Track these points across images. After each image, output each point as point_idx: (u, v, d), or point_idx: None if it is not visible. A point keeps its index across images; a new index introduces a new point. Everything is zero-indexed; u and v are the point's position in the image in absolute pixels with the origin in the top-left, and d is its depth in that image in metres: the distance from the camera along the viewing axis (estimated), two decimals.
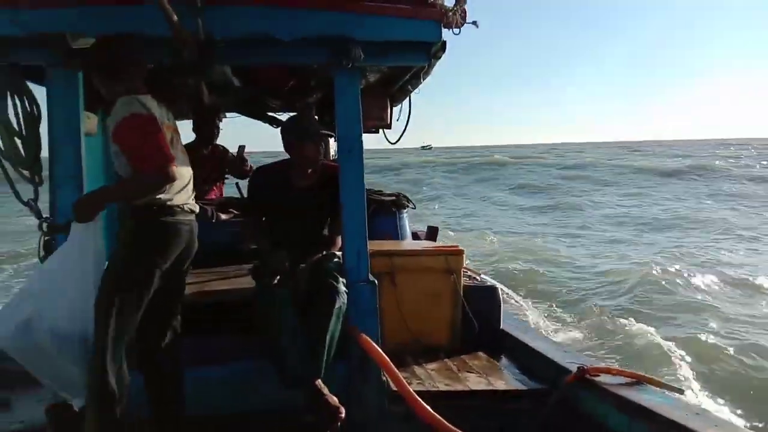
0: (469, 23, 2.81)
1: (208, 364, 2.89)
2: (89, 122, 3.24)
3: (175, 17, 2.38)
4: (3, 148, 2.77)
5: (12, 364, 3.52)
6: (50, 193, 2.77)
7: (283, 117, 5.02)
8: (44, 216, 2.83)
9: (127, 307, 2.35)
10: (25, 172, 2.82)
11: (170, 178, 2.36)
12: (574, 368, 3.10)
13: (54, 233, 2.75)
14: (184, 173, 2.55)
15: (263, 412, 2.89)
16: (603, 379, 2.98)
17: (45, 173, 2.87)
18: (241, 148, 5.12)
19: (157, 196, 2.39)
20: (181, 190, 2.50)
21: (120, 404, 2.37)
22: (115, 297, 2.34)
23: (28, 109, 2.81)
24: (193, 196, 2.63)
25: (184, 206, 2.51)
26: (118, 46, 2.47)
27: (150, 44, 2.60)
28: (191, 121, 4.94)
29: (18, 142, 2.76)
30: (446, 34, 2.90)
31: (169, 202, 2.43)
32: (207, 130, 4.89)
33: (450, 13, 2.82)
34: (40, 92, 2.88)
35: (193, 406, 2.63)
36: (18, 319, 2.36)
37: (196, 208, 2.63)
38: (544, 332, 6.33)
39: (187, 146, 4.26)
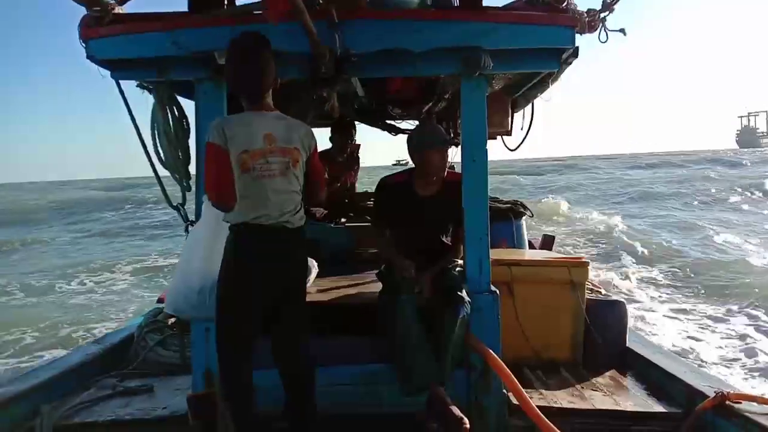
0: (615, 30, 2.68)
1: (335, 365, 2.97)
2: None
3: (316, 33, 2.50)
4: (164, 158, 3.04)
5: (154, 355, 3.88)
6: (196, 199, 2.99)
7: (402, 125, 5.11)
8: (190, 220, 3.08)
9: (226, 309, 2.51)
10: (177, 179, 3.07)
11: (223, 209, 2.47)
12: (710, 392, 2.91)
13: None
14: (270, 196, 2.47)
15: (387, 415, 2.95)
16: (745, 407, 2.76)
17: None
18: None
19: (242, 220, 2.46)
20: (271, 212, 2.47)
21: (247, 398, 2.53)
22: (217, 299, 2.53)
23: (179, 121, 3.07)
24: (294, 212, 2.55)
25: (276, 224, 2.49)
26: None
27: (288, 60, 2.73)
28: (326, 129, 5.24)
29: (174, 151, 3.02)
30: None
31: (253, 222, 2.46)
32: (340, 140, 5.15)
33: (585, 18, 2.73)
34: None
35: (321, 404, 2.72)
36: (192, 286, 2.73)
37: (293, 225, 2.55)
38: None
39: (323, 153, 4.48)
